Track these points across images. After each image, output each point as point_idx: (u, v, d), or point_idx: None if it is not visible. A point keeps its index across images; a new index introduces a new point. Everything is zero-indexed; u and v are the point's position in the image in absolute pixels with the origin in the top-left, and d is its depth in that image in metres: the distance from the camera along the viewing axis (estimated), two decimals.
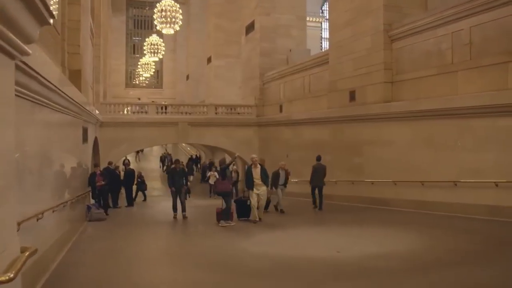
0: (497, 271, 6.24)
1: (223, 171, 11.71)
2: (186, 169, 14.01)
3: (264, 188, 11.76)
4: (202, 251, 8.25)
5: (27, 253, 2.57)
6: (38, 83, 5.71)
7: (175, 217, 12.90)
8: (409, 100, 13.72)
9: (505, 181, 10.44)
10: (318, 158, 14.45)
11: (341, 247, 7.86)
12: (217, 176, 21.84)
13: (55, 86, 6.64)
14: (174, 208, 13.04)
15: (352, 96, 16.32)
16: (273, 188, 13.47)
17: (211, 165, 30.94)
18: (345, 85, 16.71)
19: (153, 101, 32.01)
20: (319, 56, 19.85)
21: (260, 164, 11.79)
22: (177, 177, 12.93)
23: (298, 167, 17.32)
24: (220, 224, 11.03)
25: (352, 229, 10.32)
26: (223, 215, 11.23)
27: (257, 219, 11.43)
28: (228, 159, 17.18)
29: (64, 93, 7.66)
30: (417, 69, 13.63)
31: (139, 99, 41.50)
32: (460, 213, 11.48)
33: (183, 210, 12.85)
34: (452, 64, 12.40)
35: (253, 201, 11.43)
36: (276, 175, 13.63)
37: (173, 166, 13.59)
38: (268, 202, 13.24)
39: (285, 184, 13.79)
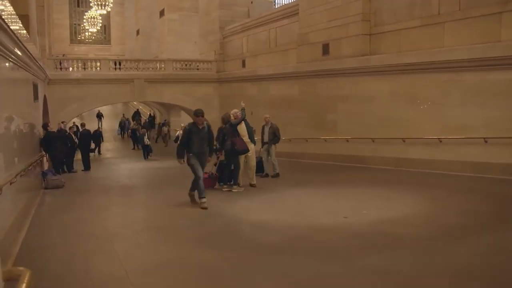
0: None
1: (235, 126, 9.58)
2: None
3: (252, 146, 10.09)
4: (189, 223, 7.21)
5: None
6: None
7: (204, 206, 7.89)
8: (390, 54, 13.06)
9: (495, 137, 10.11)
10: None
11: (344, 211, 7.17)
12: None
13: (3, 20, 5.23)
14: (200, 189, 8.04)
15: (326, 49, 15.47)
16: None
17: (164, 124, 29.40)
18: (318, 38, 15.78)
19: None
20: (288, 7, 18.71)
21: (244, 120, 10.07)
22: (199, 140, 8.03)
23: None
24: (226, 189, 9.70)
25: (343, 190, 9.70)
26: (233, 178, 9.81)
27: (241, 185, 9.97)
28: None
29: (15, 36, 6.22)
30: (399, 21, 12.90)
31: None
32: (443, 170, 11.22)
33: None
34: (438, 15, 11.74)
35: (239, 163, 9.95)
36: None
37: (191, 122, 8.36)
38: (261, 163, 11.96)
39: (270, 143, 11.86)
